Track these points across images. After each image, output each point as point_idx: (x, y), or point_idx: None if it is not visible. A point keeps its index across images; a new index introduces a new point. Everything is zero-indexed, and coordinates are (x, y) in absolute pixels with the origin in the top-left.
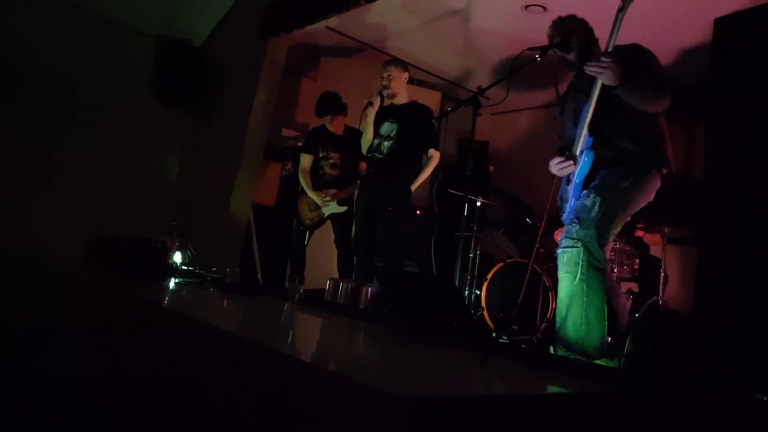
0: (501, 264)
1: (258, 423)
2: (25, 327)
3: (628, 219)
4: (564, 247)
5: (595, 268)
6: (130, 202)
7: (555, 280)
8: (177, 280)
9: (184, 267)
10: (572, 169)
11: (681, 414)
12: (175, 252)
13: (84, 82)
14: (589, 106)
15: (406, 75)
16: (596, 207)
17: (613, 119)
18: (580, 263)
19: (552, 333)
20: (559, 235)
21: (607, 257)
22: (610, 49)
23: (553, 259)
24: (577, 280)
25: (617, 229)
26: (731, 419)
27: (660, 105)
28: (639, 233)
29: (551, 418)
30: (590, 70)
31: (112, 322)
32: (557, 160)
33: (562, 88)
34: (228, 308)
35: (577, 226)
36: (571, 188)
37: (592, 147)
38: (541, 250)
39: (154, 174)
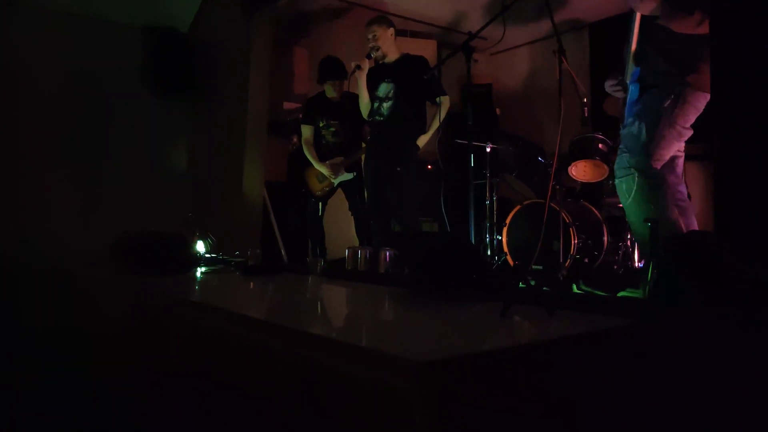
0: (518, 207)
1: (286, 400)
2: (54, 334)
3: (685, 133)
4: (620, 177)
5: (653, 189)
6: (145, 199)
7: (574, 216)
8: (202, 269)
9: (207, 255)
10: (621, 92)
11: (709, 336)
12: (196, 242)
13: (78, 85)
14: (632, 39)
15: (391, 30)
16: (643, 133)
17: (657, 44)
18: (636, 188)
19: (577, 270)
20: (573, 170)
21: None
22: None
23: (570, 195)
24: (636, 203)
25: (673, 147)
26: (761, 338)
27: (702, 27)
28: None
29: (575, 360)
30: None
31: (141, 322)
32: (611, 82)
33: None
34: (249, 291)
35: (627, 155)
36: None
37: (639, 78)
38: (557, 187)
39: (163, 168)
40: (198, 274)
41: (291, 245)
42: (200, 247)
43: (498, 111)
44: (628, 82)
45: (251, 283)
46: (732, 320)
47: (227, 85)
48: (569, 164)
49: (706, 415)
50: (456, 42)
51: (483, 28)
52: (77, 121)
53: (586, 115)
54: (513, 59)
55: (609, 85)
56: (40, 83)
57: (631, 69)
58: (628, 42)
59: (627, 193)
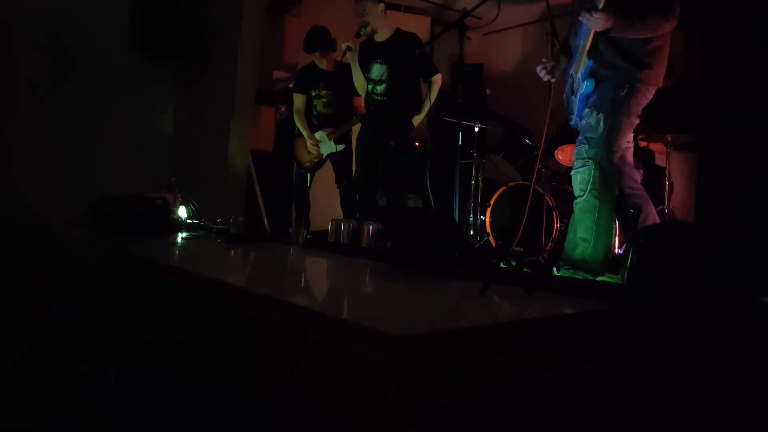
0: (503, 188)
1: (263, 367)
2: (34, 294)
3: (636, 122)
4: (576, 168)
5: (606, 184)
6: (128, 162)
7: (558, 200)
8: (183, 235)
9: (188, 221)
10: (548, 75)
11: (685, 324)
12: (178, 207)
13: (63, 42)
14: (585, 41)
15: (381, 6)
16: (601, 124)
17: (609, 39)
18: (591, 180)
19: (558, 253)
20: (560, 154)
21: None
22: (600, 6)
23: (555, 179)
24: (588, 196)
25: (627, 137)
26: (737, 324)
27: (662, 30)
28: (642, 143)
29: (550, 341)
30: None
31: (117, 283)
32: (540, 66)
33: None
34: (229, 259)
35: (587, 146)
36: (575, 102)
37: (591, 74)
38: (542, 170)
39: (148, 131)
40: (178, 239)
41: (274, 215)
42: (182, 212)
43: (488, 91)
44: (579, 74)
45: (232, 251)
46: (707, 307)
47: (217, 50)
48: (556, 148)
49: (678, 399)
50: (450, 20)
51: (478, 5)
52: (60, 79)
53: None
54: (506, 40)
55: (539, 69)
56: (22, 38)
57: (585, 64)
58: (575, 33)
59: (582, 184)
